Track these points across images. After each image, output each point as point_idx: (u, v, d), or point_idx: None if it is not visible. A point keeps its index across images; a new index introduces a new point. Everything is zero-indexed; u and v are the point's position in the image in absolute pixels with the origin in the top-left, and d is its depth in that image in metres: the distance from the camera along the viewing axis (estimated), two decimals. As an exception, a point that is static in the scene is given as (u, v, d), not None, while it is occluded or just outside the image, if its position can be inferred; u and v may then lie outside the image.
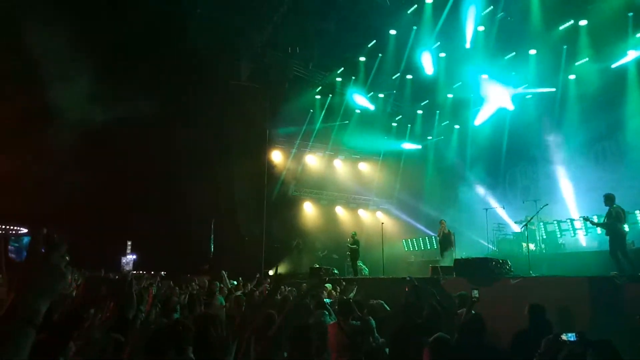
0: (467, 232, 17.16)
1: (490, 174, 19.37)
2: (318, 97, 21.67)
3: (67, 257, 1.36)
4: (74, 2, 15.31)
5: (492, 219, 16.48)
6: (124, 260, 30.05)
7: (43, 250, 1.31)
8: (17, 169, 16.21)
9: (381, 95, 21.30)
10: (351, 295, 9.82)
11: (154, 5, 17.03)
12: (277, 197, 21.05)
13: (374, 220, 21.17)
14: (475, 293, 5.87)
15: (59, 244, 1.34)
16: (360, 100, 21.30)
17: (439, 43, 17.66)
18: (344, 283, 10.65)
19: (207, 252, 25.14)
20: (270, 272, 19.41)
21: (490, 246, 15.88)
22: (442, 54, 18.22)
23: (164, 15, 17.67)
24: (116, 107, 16.91)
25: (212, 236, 24.71)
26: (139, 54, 18.31)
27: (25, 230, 27.29)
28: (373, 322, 5.72)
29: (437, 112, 21.37)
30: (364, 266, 16.40)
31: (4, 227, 27.72)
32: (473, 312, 5.84)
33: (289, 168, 21.68)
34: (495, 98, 18.16)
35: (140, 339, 2.24)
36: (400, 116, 22.22)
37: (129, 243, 31.47)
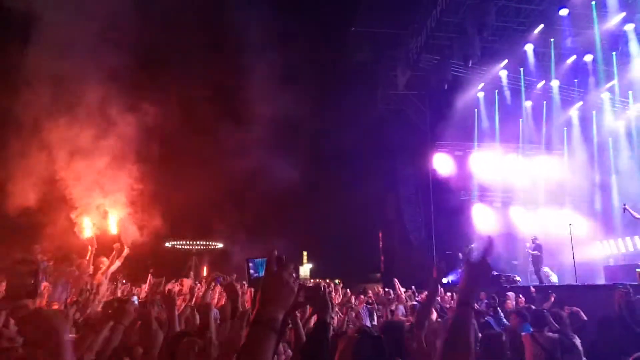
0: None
1: None
2: (481, 94, 20.54)
3: (294, 274, 1.60)
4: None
5: None
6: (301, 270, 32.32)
7: (276, 269, 1.56)
8: (211, 190, 18.63)
9: (554, 83, 19.21)
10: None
11: (314, 27, 18.32)
12: (446, 202, 20.38)
13: (560, 221, 18.95)
14: None
15: (288, 263, 1.58)
16: (531, 91, 19.58)
17: (624, 13, 15.29)
18: (533, 290, 9.75)
19: (377, 260, 25.62)
20: (444, 281, 18.85)
21: None
22: (631, 25, 15.71)
23: (323, 34, 18.85)
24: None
25: (381, 243, 25.10)
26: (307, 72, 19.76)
27: (221, 245, 31.36)
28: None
29: (630, 92, 18.38)
30: (551, 272, 14.83)
31: (203, 242, 32.32)
32: None
33: (455, 171, 20.87)
34: None
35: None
36: (582, 102, 19.69)
37: (305, 253, 33.85)
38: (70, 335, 2.17)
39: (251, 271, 1.72)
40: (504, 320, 7.23)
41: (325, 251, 30.62)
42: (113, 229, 10.83)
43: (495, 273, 15.15)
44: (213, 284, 5.83)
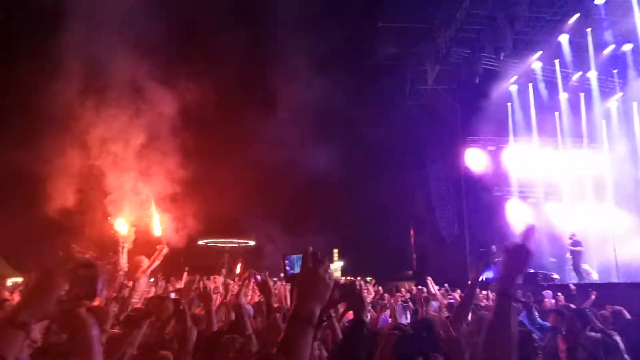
0: None
1: None
2: (514, 87, 20.04)
3: (329, 270, 1.64)
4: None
5: None
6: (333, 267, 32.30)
7: (312, 265, 1.60)
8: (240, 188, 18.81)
9: (592, 74, 18.53)
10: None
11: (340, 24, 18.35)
12: (479, 198, 20.00)
13: (600, 217, 18.28)
14: None
15: (323, 259, 1.62)
16: (567, 83, 18.98)
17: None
18: (573, 288, 9.45)
19: (409, 257, 25.37)
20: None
21: None
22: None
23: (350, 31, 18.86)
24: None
25: (413, 240, 24.85)
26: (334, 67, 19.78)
27: (252, 243, 31.72)
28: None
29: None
30: (591, 270, 14.35)
31: (235, 240, 32.75)
32: None
33: (488, 166, 20.44)
34: None
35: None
36: (621, 94, 18.94)
37: (336, 250, 33.77)
38: (114, 330, 2.25)
39: (287, 268, 1.75)
40: (539, 319, 7.04)
41: (356, 248, 30.48)
42: (157, 231, 11.12)
43: (532, 270, 14.77)
44: (248, 280, 5.90)
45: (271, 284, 4.77)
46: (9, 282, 14.18)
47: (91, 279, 1.44)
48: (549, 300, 9.28)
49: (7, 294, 6.37)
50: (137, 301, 6.39)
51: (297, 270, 1.65)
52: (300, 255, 1.65)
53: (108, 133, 11.41)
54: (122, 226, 10.95)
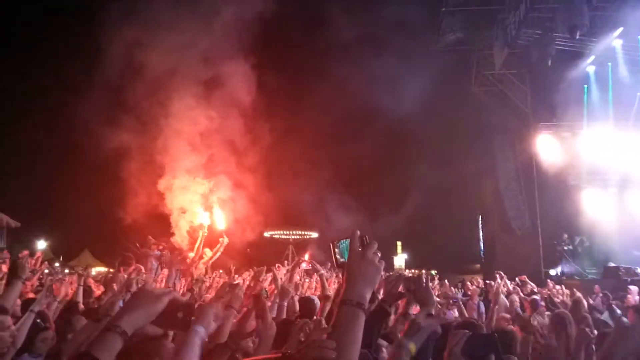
0: None
1: None
2: (592, 68, 18.66)
3: (379, 254, 1.59)
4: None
5: None
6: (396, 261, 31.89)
7: (360, 249, 1.56)
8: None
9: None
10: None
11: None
12: (551, 187, 18.92)
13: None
14: None
15: (371, 243, 1.58)
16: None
17: None
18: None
19: (477, 250, 24.55)
20: (552, 272, 17.61)
21: None
22: None
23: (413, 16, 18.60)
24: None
25: (481, 232, 24.00)
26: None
27: (316, 235, 32.11)
28: None
29: None
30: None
31: (299, 232, 33.34)
32: None
33: (562, 153, 19.24)
34: None
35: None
36: None
37: (399, 243, 33.27)
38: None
39: (337, 256, 1.71)
40: (624, 317, 6.56)
41: (420, 240, 29.96)
42: (220, 224, 11.60)
43: (613, 265, 13.83)
44: (299, 266, 6.07)
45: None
46: (93, 271, 15.39)
47: (183, 309, 1.53)
48: (633, 297, 8.66)
49: (91, 282, 6.88)
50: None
51: (346, 257, 1.61)
52: (348, 239, 1.60)
53: (180, 127, 11.96)
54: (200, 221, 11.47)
